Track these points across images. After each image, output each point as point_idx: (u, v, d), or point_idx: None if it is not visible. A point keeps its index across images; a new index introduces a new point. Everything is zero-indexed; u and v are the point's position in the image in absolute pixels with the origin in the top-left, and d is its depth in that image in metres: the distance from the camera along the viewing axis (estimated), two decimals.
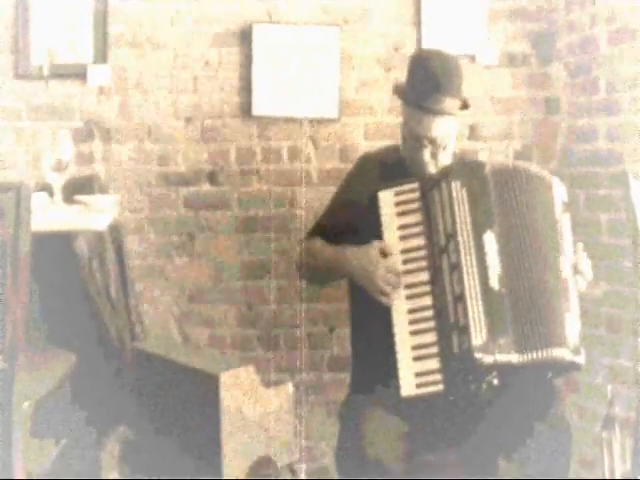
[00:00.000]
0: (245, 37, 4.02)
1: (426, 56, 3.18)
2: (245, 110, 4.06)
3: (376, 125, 4.05)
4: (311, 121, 4.07)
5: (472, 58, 4.11)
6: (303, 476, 3.99)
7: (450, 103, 3.04)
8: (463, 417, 2.96)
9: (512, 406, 2.92)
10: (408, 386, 2.85)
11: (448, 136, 3.08)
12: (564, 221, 2.99)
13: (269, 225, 4.09)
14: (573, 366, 2.92)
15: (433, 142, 3.06)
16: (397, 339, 2.89)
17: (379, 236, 2.99)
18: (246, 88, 4.04)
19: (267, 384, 3.07)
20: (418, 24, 4.08)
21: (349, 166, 3.44)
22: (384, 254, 2.96)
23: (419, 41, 4.07)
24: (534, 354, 2.83)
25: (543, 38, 4.15)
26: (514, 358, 2.82)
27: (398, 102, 3.91)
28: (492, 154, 4.13)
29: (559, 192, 3.02)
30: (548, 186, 3.01)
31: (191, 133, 4.06)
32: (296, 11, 4.05)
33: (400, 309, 2.91)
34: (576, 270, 2.97)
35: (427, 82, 3.04)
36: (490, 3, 4.10)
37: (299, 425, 3.99)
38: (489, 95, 4.14)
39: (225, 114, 4.06)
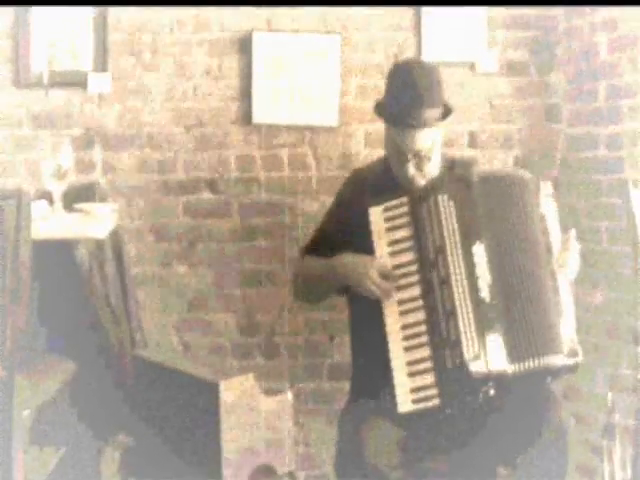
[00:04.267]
0: (245, 45, 4.03)
1: (401, 70, 3.14)
2: (245, 118, 4.06)
3: (376, 133, 4.04)
4: (311, 129, 4.07)
5: (472, 66, 4.11)
6: None
7: (430, 114, 3.02)
8: (461, 426, 2.96)
9: (509, 414, 2.92)
10: (405, 403, 2.86)
11: (432, 147, 3.07)
12: (549, 215, 3.00)
13: (269, 233, 4.09)
14: (570, 368, 2.93)
15: (417, 155, 3.05)
16: (392, 356, 2.90)
17: (372, 252, 3.00)
18: (246, 96, 4.04)
19: (267, 392, 3.07)
20: (418, 32, 4.08)
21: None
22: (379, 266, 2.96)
23: (419, 49, 4.07)
24: (529, 363, 2.84)
25: (543, 46, 4.15)
26: (508, 368, 2.83)
27: None
28: (489, 162, 4.13)
29: (543, 187, 3.03)
30: (530, 186, 3.02)
31: (191, 141, 4.06)
32: (296, 19, 4.05)
33: (393, 326, 2.93)
34: (562, 261, 2.97)
35: (404, 97, 3.03)
36: (490, 11, 4.10)
37: (299, 433, 4.00)
38: (489, 103, 4.15)
39: (225, 122, 4.06)
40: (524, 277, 2.92)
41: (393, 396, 2.87)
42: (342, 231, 3.18)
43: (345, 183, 3.39)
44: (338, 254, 3.09)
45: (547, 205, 3.02)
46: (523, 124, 4.18)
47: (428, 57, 4.00)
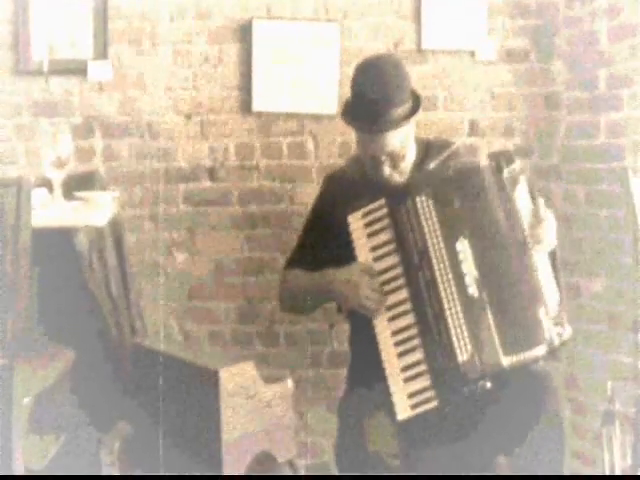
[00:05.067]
0: (245, 33, 4.02)
1: (363, 70, 3.10)
2: (245, 106, 4.05)
3: None
4: (311, 117, 4.07)
5: (472, 54, 4.10)
6: (303, 472, 3.99)
7: (397, 113, 3.00)
8: (459, 419, 2.97)
9: (507, 404, 2.92)
10: (403, 410, 2.87)
11: (405, 145, 3.05)
12: (517, 194, 2.95)
13: (269, 221, 4.09)
14: (557, 348, 2.91)
15: (391, 155, 3.03)
16: (386, 364, 2.90)
17: (355, 259, 3.00)
18: (246, 84, 4.04)
19: (267, 380, 3.07)
20: (418, 20, 4.08)
21: None
22: (367, 272, 2.95)
23: (419, 37, 4.06)
24: (520, 355, 2.84)
25: (543, 34, 4.15)
26: (503, 362, 2.83)
27: None
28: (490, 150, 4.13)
29: (505, 166, 2.95)
30: (493, 170, 2.96)
31: (191, 129, 4.05)
32: (296, 7, 4.04)
33: (384, 333, 2.92)
34: (536, 238, 2.93)
35: (369, 101, 3.00)
36: None
37: (299, 420, 4.00)
38: (489, 91, 4.14)
39: (225, 110, 4.06)
40: (504, 268, 2.91)
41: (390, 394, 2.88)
42: (322, 242, 3.17)
43: (320, 193, 3.38)
44: (321, 267, 3.08)
45: (512, 185, 2.95)
46: (523, 112, 4.17)
47: (428, 45, 4.00)
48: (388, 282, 2.95)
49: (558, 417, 2.95)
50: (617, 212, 3.77)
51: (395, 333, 2.91)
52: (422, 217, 2.89)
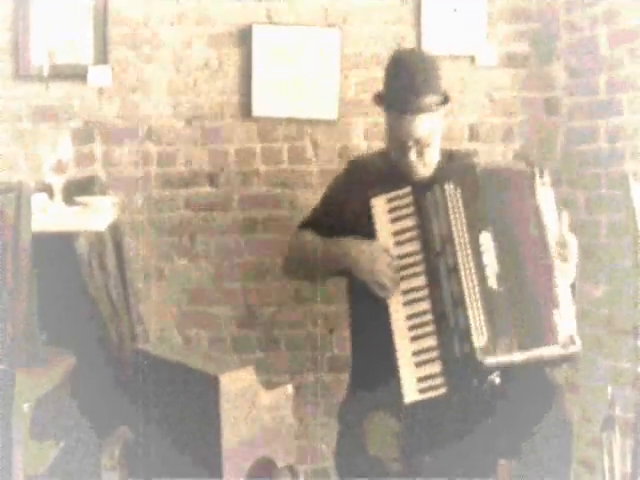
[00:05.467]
0: (245, 38, 4.02)
1: (400, 58, 3.18)
2: (245, 111, 4.06)
3: (376, 126, 4.04)
4: (311, 122, 4.07)
5: (472, 59, 4.11)
6: (303, 477, 3.99)
7: (429, 100, 3.05)
8: (464, 416, 2.97)
9: (511, 407, 2.92)
10: (411, 392, 2.86)
11: (432, 133, 3.08)
12: (544, 205, 2.99)
13: (269, 226, 4.09)
14: (568, 358, 2.92)
15: (418, 142, 3.06)
16: (397, 346, 2.89)
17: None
18: (246, 89, 4.04)
19: (267, 385, 3.07)
20: (418, 25, 4.08)
21: None
22: (386, 252, 2.97)
23: (419, 42, 4.07)
24: (532, 352, 2.84)
25: (543, 38, 4.15)
26: (516, 357, 2.83)
27: None
28: (489, 155, 4.13)
29: (538, 176, 3.02)
30: (527, 176, 3.02)
31: (191, 134, 4.06)
32: (296, 12, 4.05)
33: (399, 316, 2.93)
34: (561, 256, 2.96)
35: (403, 83, 3.06)
36: (490, 4, 4.10)
37: (299, 426, 4.00)
38: (489, 96, 4.14)
39: (225, 115, 4.06)
40: (524, 267, 2.92)
41: (394, 389, 2.87)
42: (337, 217, 3.19)
43: (343, 171, 3.39)
44: (336, 237, 3.10)
45: (544, 194, 3.01)
46: (523, 117, 4.18)
47: (428, 50, 4.00)
48: (407, 267, 2.96)
49: (566, 420, 2.97)
50: (617, 217, 3.77)
51: (410, 317, 2.92)
52: (449, 204, 2.92)
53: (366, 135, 4.08)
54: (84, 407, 3.40)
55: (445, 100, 3.12)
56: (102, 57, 3.97)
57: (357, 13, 4.08)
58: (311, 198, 4.02)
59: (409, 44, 4.08)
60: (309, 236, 3.25)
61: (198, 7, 4.03)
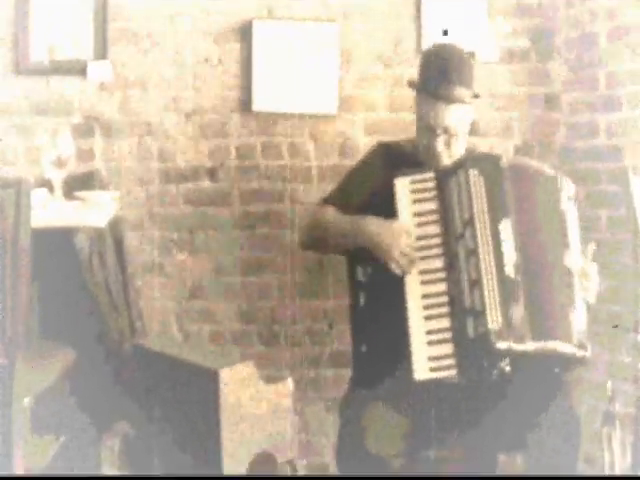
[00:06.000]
0: (245, 33, 4.02)
1: (438, 49, 3.23)
2: (245, 106, 4.06)
3: (375, 121, 4.05)
4: (311, 117, 4.07)
5: (472, 54, 4.09)
6: (303, 472, 4.00)
7: (462, 92, 3.08)
8: (472, 406, 2.97)
9: (516, 401, 2.93)
10: (422, 370, 2.85)
11: (461, 124, 3.12)
12: (569, 215, 3.01)
13: (269, 221, 4.09)
14: (578, 360, 2.92)
15: (447, 131, 3.08)
16: (411, 323, 2.89)
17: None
18: (246, 84, 4.04)
19: (267, 380, 3.07)
20: (418, 20, 4.08)
21: (349, 162, 3.43)
22: (406, 232, 2.98)
23: (419, 37, 4.07)
24: (544, 344, 2.84)
25: (543, 34, 4.15)
26: (529, 346, 2.82)
27: (397, 98, 3.92)
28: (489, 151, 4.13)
29: (565, 188, 3.04)
30: (554, 182, 3.03)
31: (191, 129, 4.06)
32: (296, 7, 4.05)
33: (415, 294, 2.92)
34: (582, 272, 2.97)
35: (439, 72, 3.10)
36: None
37: (299, 421, 4.01)
38: (489, 91, 4.14)
39: (225, 110, 4.06)
40: (543, 261, 2.93)
41: (400, 377, 2.88)
42: (359, 195, 3.20)
43: (369, 152, 3.40)
44: (357, 215, 3.11)
45: (568, 205, 3.02)
46: (523, 112, 4.18)
47: (428, 45, 3.99)
48: (426, 249, 2.96)
49: (574, 416, 2.98)
50: (617, 212, 3.77)
51: (426, 296, 2.92)
52: (473, 188, 2.93)
53: (366, 130, 4.08)
54: (84, 402, 3.40)
55: (475, 96, 3.15)
56: (102, 52, 3.97)
57: (357, 8, 4.08)
58: (311, 193, 4.03)
59: (409, 39, 4.08)
60: (331, 211, 3.26)
61: (198, 2, 4.02)
